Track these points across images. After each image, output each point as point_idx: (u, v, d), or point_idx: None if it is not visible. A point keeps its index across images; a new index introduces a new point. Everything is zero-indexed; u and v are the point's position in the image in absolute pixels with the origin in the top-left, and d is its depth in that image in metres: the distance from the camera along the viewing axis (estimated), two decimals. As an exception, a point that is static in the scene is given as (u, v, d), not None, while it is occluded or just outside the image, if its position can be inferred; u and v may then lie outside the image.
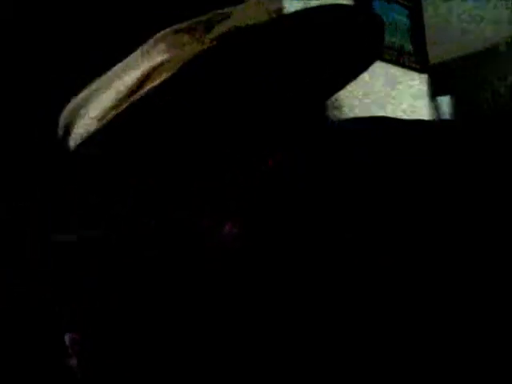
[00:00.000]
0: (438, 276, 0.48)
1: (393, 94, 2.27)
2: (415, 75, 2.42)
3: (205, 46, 0.54)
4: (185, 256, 0.54)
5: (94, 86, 0.57)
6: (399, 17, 2.38)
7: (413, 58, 2.40)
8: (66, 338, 0.58)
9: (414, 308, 0.49)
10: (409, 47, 2.41)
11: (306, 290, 0.51)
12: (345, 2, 2.01)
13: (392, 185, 0.52)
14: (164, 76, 0.53)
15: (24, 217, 0.61)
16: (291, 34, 0.54)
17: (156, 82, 0.53)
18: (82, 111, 0.58)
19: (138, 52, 0.55)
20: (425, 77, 2.47)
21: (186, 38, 0.54)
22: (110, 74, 0.56)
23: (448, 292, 0.48)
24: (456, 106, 2.69)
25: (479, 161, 0.51)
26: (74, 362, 0.58)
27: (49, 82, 0.63)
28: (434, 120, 2.07)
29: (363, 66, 0.62)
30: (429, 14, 2.58)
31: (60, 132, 0.61)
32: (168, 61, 0.54)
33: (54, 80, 0.62)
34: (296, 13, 0.54)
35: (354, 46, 0.59)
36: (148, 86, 0.53)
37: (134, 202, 0.55)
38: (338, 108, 0.60)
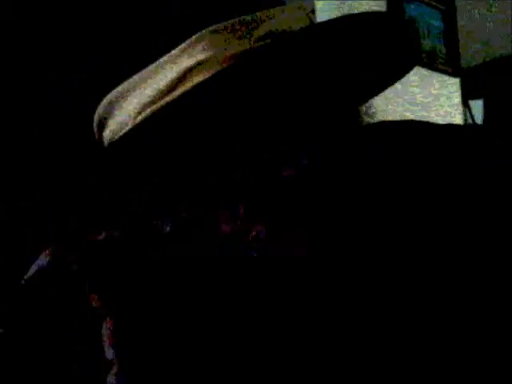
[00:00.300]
0: (454, 276, 0.48)
1: (425, 97, 2.25)
2: (448, 78, 2.40)
3: (248, 46, 0.54)
4: (196, 254, 0.55)
5: (129, 82, 0.58)
6: (432, 20, 2.35)
7: (445, 61, 2.38)
8: (103, 327, 0.59)
9: (423, 309, 0.49)
10: (442, 50, 2.39)
11: (322, 289, 0.52)
12: (378, 5, 2.00)
13: (406, 183, 0.52)
14: (204, 74, 0.54)
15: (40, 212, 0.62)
16: (331, 40, 0.54)
17: (196, 80, 0.54)
18: (118, 106, 0.59)
19: (177, 50, 0.56)
20: (457, 80, 2.44)
21: (227, 37, 0.55)
22: (146, 70, 0.57)
23: (454, 294, 0.48)
24: (489, 110, 2.65)
25: (500, 166, 0.50)
26: (109, 353, 0.58)
27: (49, 82, 0.64)
28: (463, 124, 2.05)
29: (399, 74, 0.62)
30: (463, 16, 2.55)
31: (95, 127, 0.62)
32: (207, 60, 0.54)
33: (54, 80, 0.63)
34: (336, 19, 0.54)
35: (391, 53, 0.59)
36: (187, 84, 0.54)
37: (149, 199, 0.56)
38: (371, 114, 0.60)
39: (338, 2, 1.83)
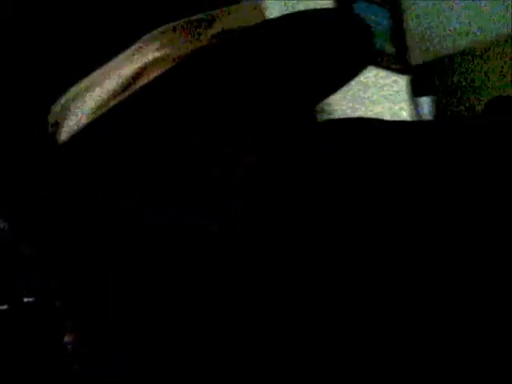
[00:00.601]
0: (428, 275, 0.48)
1: (374, 95, 2.28)
2: (396, 76, 2.44)
3: (202, 44, 0.54)
4: (175, 255, 0.54)
5: (84, 82, 0.57)
6: (380, 18, 2.39)
7: (394, 59, 2.42)
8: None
9: (411, 309, 0.49)
10: (390, 49, 2.43)
11: (297, 289, 0.51)
12: (326, 3, 2.02)
13: (361, 178, 0.52)
14: (158, 73, 0.53)
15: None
16: (284, 36, 0.54)
17: (148, 79, 0.53)
18: (73, 107, 0.58)
19: (131, 50, 0.55)
20: (406, 78, 2.49)
21: (181, 36, 0.54)
22: (100, 70, 0.56)
23: (446, 291, 0.49)
24: (436, 106, 2.71)
25: (447, 161, 0.51)
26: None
27: (48, 82, 0.62)
28: (413, 121, 2.09)
29: (354, 72, 0.62)
30: (410, 15, 2.59)
31: (50, 129, 0.61)
32: (162, 58, 0.54)
33: (53, 80, 0.62)
34: (287, 16, 0.54)
35: (345, 51, 0.59)
36: (141, 83, 0.53)
37: (120, 200, 0.55)
38: (328, 111, 0.61)
39: (284, 1, 1.84)
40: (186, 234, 0.53)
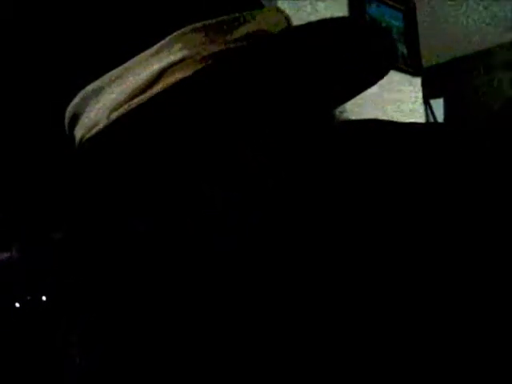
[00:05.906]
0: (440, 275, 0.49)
1: (387, 97, 2.28)
2: (409, 78, 2.43)
3: (227, 47, 0.54)
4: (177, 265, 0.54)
5: (105, 78, 0.57)
6: (393, 20, 2.39)
7: (407, 61, 2.42)
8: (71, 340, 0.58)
9: (420, 309, 0.50)
10: (403, 51, 2.43)
11: (304, 288, 0.52)
12: (340, 5, 2.00)
13: (374, 182, 0.53)
14: (180, 74, 0.53)
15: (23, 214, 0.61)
16: (308, 44, 0.54)
17: (171, 80, 0.53)
18: (92, 102, 0.58)
19: (154, 48, 0.55)
20: (418, 80, 2.48)
21: (204, 38, 0.54)
22: (123, 67, 0.55)
23: (453, 290, 0.49)
24: (449, 108, 2.70)
25: (461, 163, 0.52)
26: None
27: (47, 83, 0.62)
28: (424, 122, 2.08)
29: (375, 79, 0.62)
30: (422, 17, 2.59)
31: (66, 122, 0.61)
32: (184, 59, 0.54)
33: (53, 81, 0.62)
34: (314, 23, 0.54)
35: (368, 59, 0.59)
36: (162, 84, 0.54)
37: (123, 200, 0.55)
38: (345, 117, 0.61)
39: (299, 3, 1.85)
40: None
